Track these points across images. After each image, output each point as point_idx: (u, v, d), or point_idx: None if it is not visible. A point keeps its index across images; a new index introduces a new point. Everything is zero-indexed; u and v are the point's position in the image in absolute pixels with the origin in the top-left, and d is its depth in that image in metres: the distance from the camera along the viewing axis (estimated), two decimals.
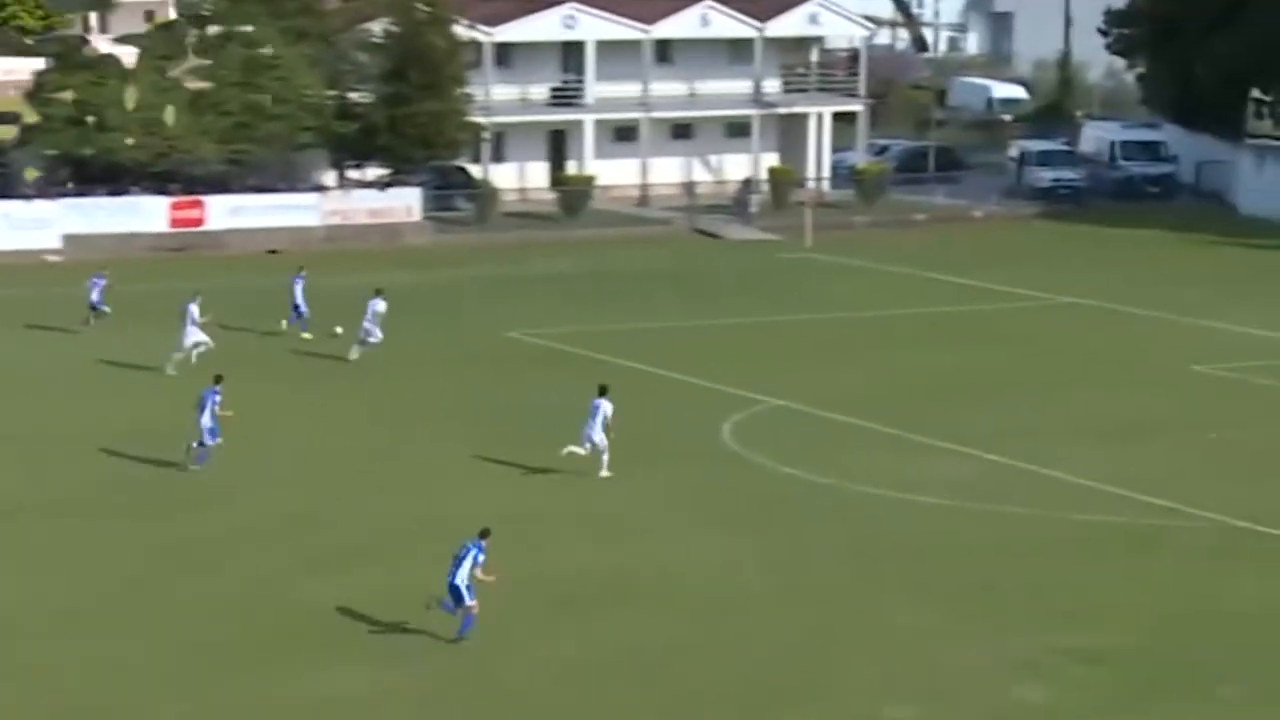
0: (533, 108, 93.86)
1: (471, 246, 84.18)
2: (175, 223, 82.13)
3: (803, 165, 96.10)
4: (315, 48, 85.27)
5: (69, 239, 79.81)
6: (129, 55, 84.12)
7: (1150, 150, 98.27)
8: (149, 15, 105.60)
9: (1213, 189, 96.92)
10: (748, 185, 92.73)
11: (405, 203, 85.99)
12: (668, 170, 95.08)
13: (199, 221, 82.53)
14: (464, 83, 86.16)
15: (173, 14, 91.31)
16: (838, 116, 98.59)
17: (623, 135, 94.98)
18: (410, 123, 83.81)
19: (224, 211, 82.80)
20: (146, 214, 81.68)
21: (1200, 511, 43.15)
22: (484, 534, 34.81)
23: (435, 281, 74.25)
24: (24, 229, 79.49)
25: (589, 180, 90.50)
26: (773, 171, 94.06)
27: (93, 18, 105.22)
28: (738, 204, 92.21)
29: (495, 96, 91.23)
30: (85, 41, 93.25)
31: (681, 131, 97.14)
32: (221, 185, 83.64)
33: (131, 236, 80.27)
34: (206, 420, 45.10)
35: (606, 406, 44.92)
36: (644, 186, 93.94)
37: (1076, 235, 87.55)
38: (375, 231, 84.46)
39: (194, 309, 56.71)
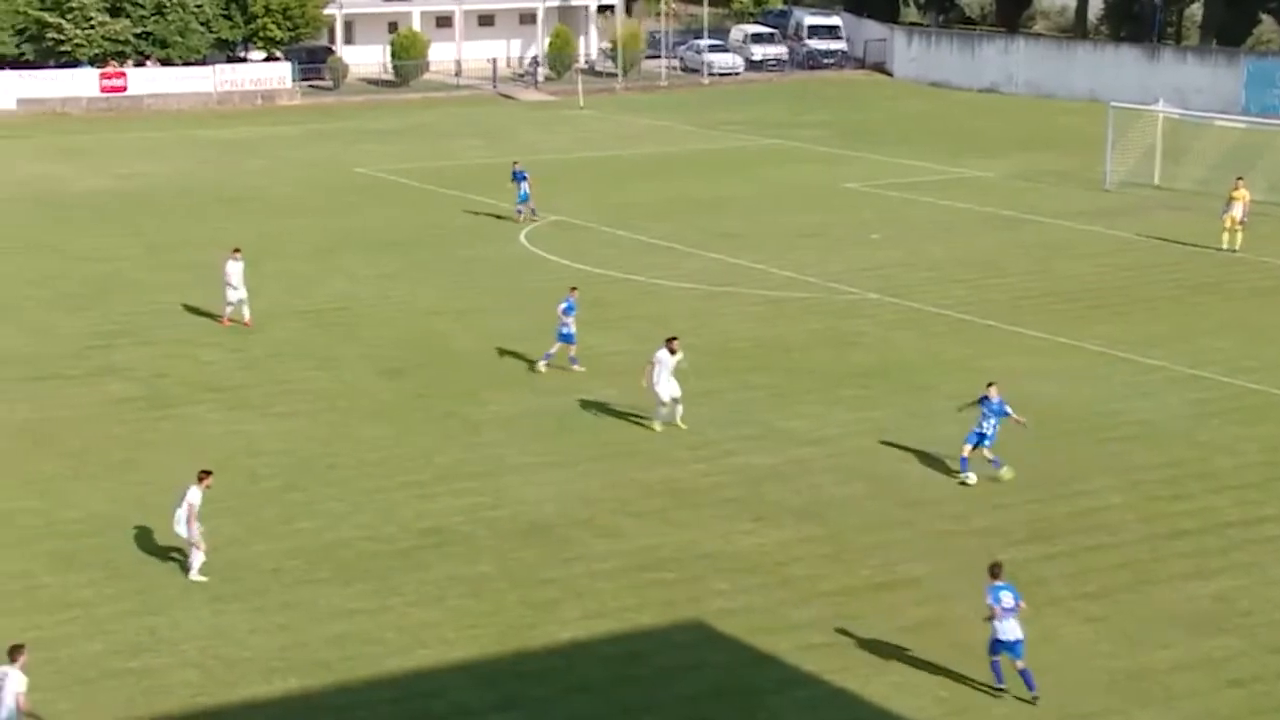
0: (374, 1, 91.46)
1: (329, 106, 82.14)
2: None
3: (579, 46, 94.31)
4: None
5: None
6: None
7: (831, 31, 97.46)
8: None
9: (875, 60, 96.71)
10: (535, 60, 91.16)
11: (279, 73, 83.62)
12: (476, 50, 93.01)
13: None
14: None
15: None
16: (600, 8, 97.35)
17: (442, 23, 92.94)
18: (280, 13, 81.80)
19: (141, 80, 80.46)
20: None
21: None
22: None
23: (302, 132, 72.43)
24: None
25: (420, 54, 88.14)
26: (553, 49, 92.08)
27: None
28: (528, 74, 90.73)
29: None
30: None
31: (486, 20, 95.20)
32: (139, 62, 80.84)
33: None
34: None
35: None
36: (458, 62, 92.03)
37: (779, 94, 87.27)
38: (256, 95, 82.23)
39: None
